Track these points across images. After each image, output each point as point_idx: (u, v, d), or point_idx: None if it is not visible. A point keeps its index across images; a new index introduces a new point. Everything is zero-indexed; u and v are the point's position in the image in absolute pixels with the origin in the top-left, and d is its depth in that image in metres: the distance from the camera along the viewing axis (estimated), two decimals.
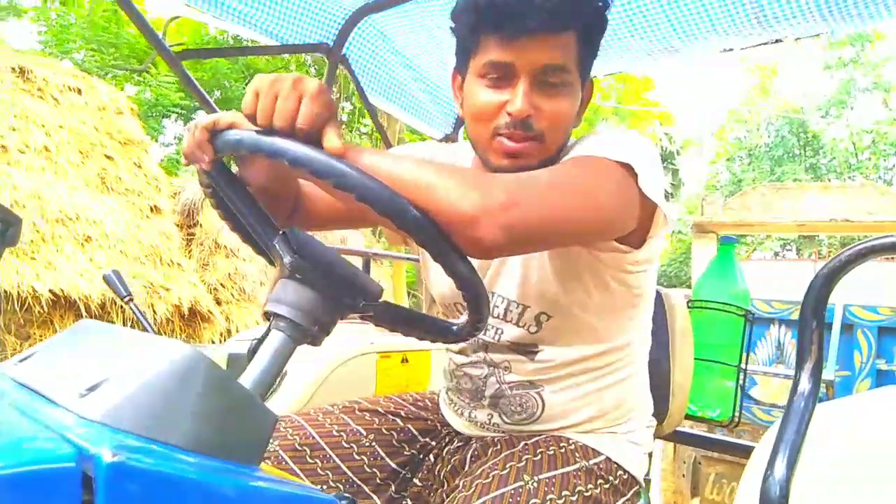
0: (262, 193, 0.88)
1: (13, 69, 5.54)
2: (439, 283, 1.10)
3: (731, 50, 1.72)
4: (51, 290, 4.39)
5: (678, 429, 1.45)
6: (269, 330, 0.74)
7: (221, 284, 7.33)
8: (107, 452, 0.42)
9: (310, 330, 0.73)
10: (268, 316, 0.74)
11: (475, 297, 0.78)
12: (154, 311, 5.14)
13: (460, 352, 1.11)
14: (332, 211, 1.06)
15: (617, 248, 0.92)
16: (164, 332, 5.33)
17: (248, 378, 0.70)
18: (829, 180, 21.24)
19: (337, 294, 0.74)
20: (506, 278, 1.02)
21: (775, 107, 24.99)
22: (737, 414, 1.43)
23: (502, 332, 1.04)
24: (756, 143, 25.85)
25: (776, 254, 23.82)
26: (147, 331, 1.23)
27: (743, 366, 1.44)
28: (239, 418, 0.58)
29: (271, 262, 0.84)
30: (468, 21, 0.89)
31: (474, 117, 0.91)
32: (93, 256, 4.97)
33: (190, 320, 5.58)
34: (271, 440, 1.07)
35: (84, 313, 4.60)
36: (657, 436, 1.33)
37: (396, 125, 8.39)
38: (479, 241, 0.70)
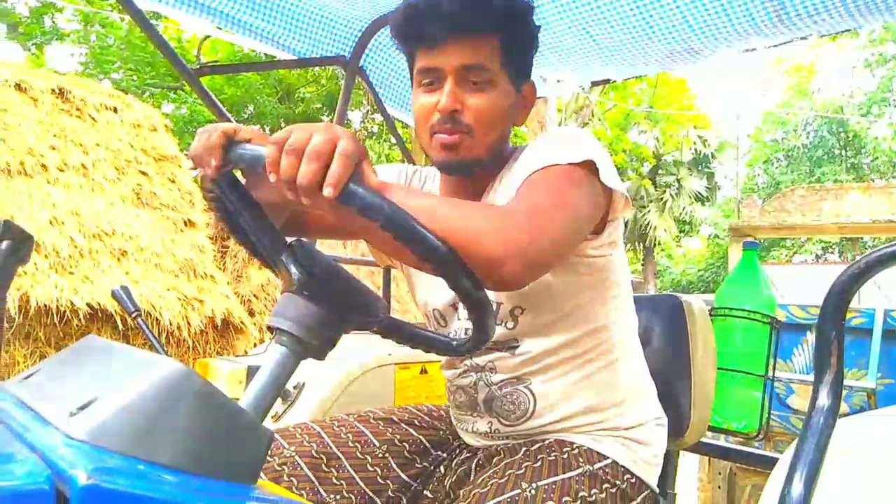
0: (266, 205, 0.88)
1: (53, 90, 5.73)
2: (423, 292, 1.15)
3: (753, 50, 1.68)
4: (88, 304, 4.50)
5: (703, 440, 1.40)
6: (271, 344, 0.74)
7: (254, 296, 7.45)
8: (82, 474, 0.42)
9: (311, 344, 0.72)
10: (272, 330, 0.75)
11: (483, 316, 0.78)
12: (189, 323, 5.23)
13: (450, 367, 1.14)
14: (325, 222, 1.09)
15: None
16: (199, 344, 5.42)
17: (248, 394, 0.70)
18: (873, 181, 20.58)
19: (341, 309, 0.74)
20: None
21: (813, 107, 24.39)
22: (764, 425, 1.38)
23: None
24: (794, 144, 25.25)
25: (818, 257, 23.16)
26: (155, 346, 1.25)
27: (770, 375, 1.38)
28: (230, 436, 0.57)
29: (276, 275, 0.85)
30: (401, 40, 1.00)
31: (416, 120, 1.01)
32: (129, 270, 5.09)
33: (223, 332, 5.66)
34: (287, 447, 1.09)
35: (120, 325, 4.70)
36: (680, 447, 1.30)
37: None
38: (503, 281, 0.75)
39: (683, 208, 20.74)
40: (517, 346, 1.04)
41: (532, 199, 0.84)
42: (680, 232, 22.10)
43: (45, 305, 4.34)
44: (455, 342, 0.87)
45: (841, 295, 0.71)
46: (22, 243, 0.85)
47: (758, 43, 1.61)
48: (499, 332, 1.04)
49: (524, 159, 0.95)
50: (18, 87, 5.47)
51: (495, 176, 1.04)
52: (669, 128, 21.42)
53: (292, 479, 1.05)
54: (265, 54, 2.02)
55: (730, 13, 1.49)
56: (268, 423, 1.58)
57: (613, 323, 1.06)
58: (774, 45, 1.60)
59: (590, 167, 0.89)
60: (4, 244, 0.84)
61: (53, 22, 13.91)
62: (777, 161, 26.50)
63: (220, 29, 1.88)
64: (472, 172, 1.00)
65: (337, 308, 0.73)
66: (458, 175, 1.02)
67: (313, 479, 1.06)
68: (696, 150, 20.77)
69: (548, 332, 1.03)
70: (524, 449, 1.01)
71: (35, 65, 11.90)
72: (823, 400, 0.68)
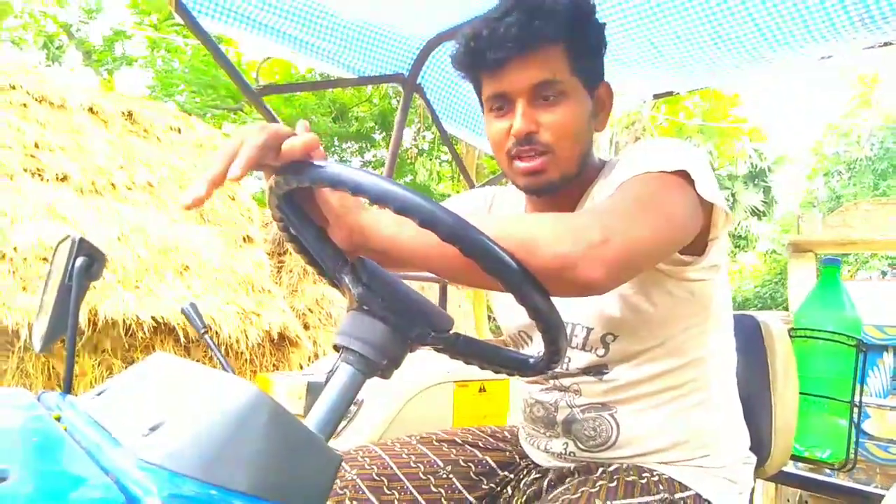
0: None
1: (123, 113, 6.02)
2: (505, 312, 1.10)
3: (830, 57, 1.59)
4: (152, 317, 4.65)
5: (784, 469, 1.32)
6: (338, 363, 0.72)
7: (309, 309, 7.56)
8: (155, 501, 0.40)
9: (378, 363, 0.71)
10: (338, 348, 0.73)
11: (552, 329, 0.74)
12: (246, 337, 5.34)
13: (533, 381, 1.09)
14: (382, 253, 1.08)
15: (678, 258, 0.90)
16: (256, 357, 5.53)
17: (315, 414, 0.68)
18: None
19: (406, 326, 0.72)
20: (566, 302, 0.99)
21: (878, 117, 23.31)
22: (851, 454, 1.28)
23: (570, 360, 1.00)
24: (857, 156, 24.15)
25: (884, 273, 22.01)
26: (221, 364, 1.26)
27: (856, 401, 1.29)
28: (301, 460, 0.56)
29: (345, 295, 0.83)
30: (462, 69, 0.97)
31: (493, 148, 0.98)
32: (190, 284, 5.24)
33: (279, 345, 5.76)
34: (349, 469, 1.07)
35: (182, 339, 4.83)
36: (760, 476, 1.22)
37: (475, 152, 8.44)
38: (580, 282, 0.69)
39: (739, 223, 20.05)
40: (606, 373, 0.99)
41: (614, 202, 0.79)
42: (735, 247, 21.36)
43: (113, 319, 4.50)
44: (532, 359, 0.82)
45: None
46: (95, 260, 0.86)
47: (836, 49, 1.51)
48: (588, 358, 0.99)
49: (616, 172, 0.90)
50: (91, 110, 5.75)
51: (585, 191, 0.99)
52: (724, 141, 20.80)
53: (354, 502, 1.02)
54: (320, 74, 2.05)
55: (806, 17, 1.41)
56: None
57: (711, 356, 0.99)
58: (856, 52, 1.51)
59: (685, 177, 0.83)
60: (79, 261, 0.85)
61: (123, 49, 14.64)
62: (838, 174, 25.39)
63: (283, 47, 1.91)
64: (559, 190, 0.95)
65: (402, 325, 0.71)
66: (545, 195, 0.97)
67: (375, 501, 1.03)
68: (751, 163, 20.08)
69: (639, 362, 0.97)
70: (601, 469, 0.96)
71: (107, 89, 12.53)
72: None
